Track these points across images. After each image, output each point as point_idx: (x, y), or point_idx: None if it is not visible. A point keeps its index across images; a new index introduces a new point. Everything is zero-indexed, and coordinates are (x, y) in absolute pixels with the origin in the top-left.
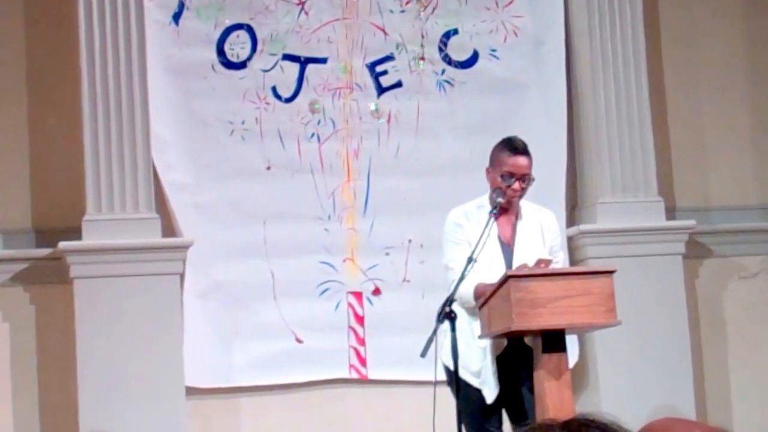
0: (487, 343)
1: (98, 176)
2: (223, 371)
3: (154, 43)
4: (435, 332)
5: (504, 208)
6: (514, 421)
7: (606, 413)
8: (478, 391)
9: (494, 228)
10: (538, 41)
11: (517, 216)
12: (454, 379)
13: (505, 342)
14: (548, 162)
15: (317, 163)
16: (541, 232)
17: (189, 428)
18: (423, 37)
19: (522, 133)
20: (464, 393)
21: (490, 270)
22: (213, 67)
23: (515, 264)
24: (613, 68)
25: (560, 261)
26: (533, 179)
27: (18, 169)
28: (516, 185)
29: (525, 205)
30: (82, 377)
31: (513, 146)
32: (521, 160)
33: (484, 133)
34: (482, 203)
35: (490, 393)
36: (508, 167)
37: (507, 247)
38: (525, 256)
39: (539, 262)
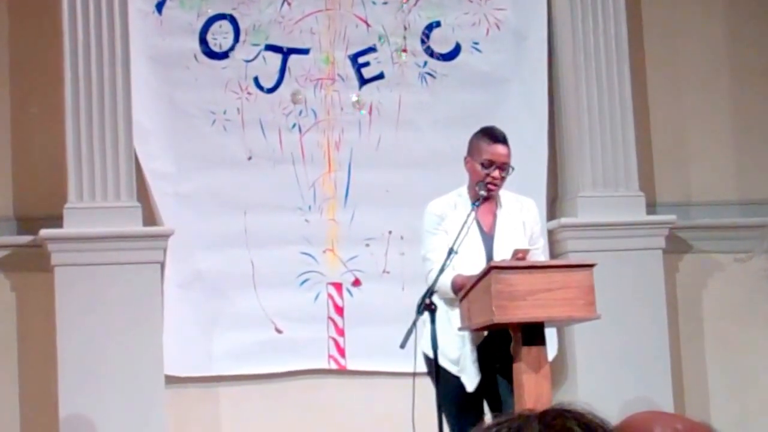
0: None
1: (80, 164)
2: (202, 360)
3: (137, 32)
4: (414, 324)
5: (484, 198)
6: (494, 411)
7: (583, 402)
8: (458, 379)
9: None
10: (520, 35)
11: (497, 205)
12: (433, 368)
13: (485, 331)
14: (529, 155)
15: (298, 154)
16: (521, 220)
17: (168, 416)
18: (405, 29)
19: (503, 126)
20: (443, 381)
21: (471, 260)
22: (195, 56)
23: (496, 253)
24: (595, 63)
25: (540, 248)
26: (512, 168)
27: (0, 156)
28: (495, 173)
29: (505, 194)
30: (62, 365)
31: (492, 135)
32: (500, 148)
33: (466, 125)
34: (461, 193)
35: (470, 381)
36: (488, 156)
37: (487, 237)
38: (505, 246)
39: (516, 252)
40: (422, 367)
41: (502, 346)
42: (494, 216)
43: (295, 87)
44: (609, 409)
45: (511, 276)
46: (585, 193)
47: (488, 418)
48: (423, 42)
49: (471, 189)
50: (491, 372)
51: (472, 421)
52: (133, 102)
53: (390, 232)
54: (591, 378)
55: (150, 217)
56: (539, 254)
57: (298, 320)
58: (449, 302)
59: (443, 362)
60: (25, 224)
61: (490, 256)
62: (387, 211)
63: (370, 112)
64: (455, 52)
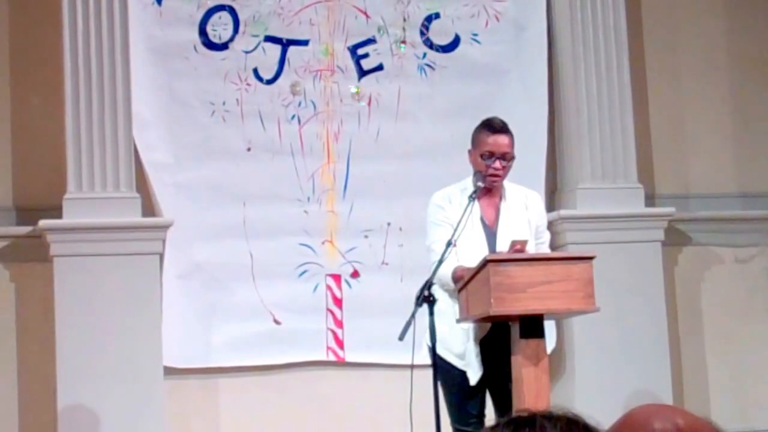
0: (469, 325)
1: (79, 155)
2: (201, 351)
3: (136, 23)
4: (413, 316)
5: (488, 189)
6: (498, 404)
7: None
8: (463, 373)
9: (477, 210)
10: (519, 26)
11: (500, 197)
12: (435, 360)
13: (489, 324)
14: (528, 147)
15: (297, 145)
16: (526, 213)
17: (167, 408)
18: (405, 20)
19: (502, 117)
20: (447, 375)
21: (473, 252)
22: (195, 47)
23: (498, 246)
24: (595, 54)
25: (546, 241)
26: (513, 158)
27: None
28: (497, 164)
29: (509, 186)
30: (60, 356)
31: (492, 126)
32: (501, 139)
33: (465, 117)
34: (466, 186)
35: (474, 374)
36: (488, 146)
37: (490, 230)
38: (508, 238)
39: (514, 243)
40: (422, 360)
41: (505, 340)
42: (497, 209)
43: (295, 78)
44: (607, 402)
45: (510, 268)
46: (584, 185)
47: (489, 412)
48: (422, 34)
49: (473, 182)
50: (495, 365)
51: (474, 413)
52: (132, 93)
53: (389, 224)
54: (590, 371)
55: (149, 207)
56: (545, 247)
57: (296, 312)
58: (453, 295)
59: (448, 356)
60: (24, 214)
61: (492, 249)
62: (386, 203)
63: (369, 104)
64: (454, 43)
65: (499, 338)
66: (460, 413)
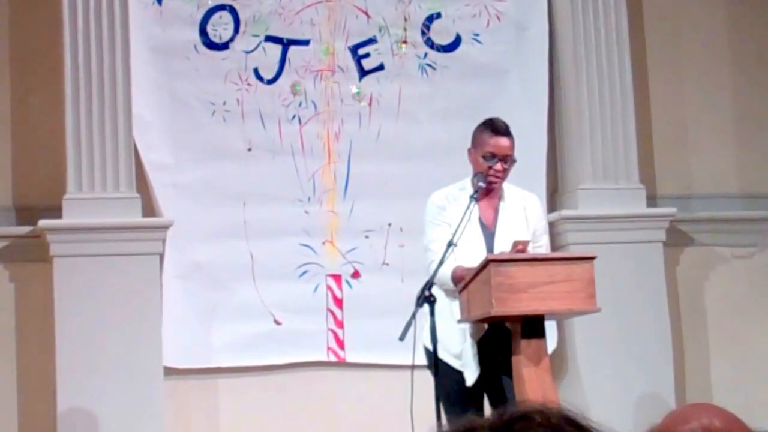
0: (467, 325)
1: (79, 155)
2: (201, 352)
3: (137, 23)
4: (414, 316)
5: (487, 190)
6: (495, 404)
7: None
8: (459, 374)
9: (475, 211)
10: (521, 26)
11: (499, 199)
12: (433, 361)
13: (486, 325)
14: (529, 147)
15: (298, 145)
16: (524, 216)
17: (167, 408)
18: (406, 20)
19: (503, 118)
20: (444, 375)
21: (471, 253)
22: (195, 47)
23: (497, 248)
24: (596, 54)
25: (543, 245)
26: (515, 160)
27: None
28: (498, 166)
29: (508, 188)
30: (60, 356)
31: (495, 127)
32: (503, 140)
33: (466, 117)
34: (465, 186)
35: (471, 375)
36: (490, 148)
37: (488, 231)
38: (507, 241)
39: (516, 244)
40: (422, 360)
41: (503, 341)
42: (496, 210)
43: (295, 78)
44: (610, 402)
45: (511, 268)
46: (585, 186)
47: (488, 412)
48: (423, 33)
49: (473, 183)
50: (492, 366)
51: (471, 414)
52: (132, 93)
53: (389, 224)
54: (592, 371)
55: (149, 208)
56: (542, 252)
57: (297, 312)
58: (451, 294)
59: (445, 356)
60: (24, 214)
61: (490, 250)
62: (386, 203)
63: (369, 104)
64: (455, 43)
65: (496, 338)
66: (456, 414)
